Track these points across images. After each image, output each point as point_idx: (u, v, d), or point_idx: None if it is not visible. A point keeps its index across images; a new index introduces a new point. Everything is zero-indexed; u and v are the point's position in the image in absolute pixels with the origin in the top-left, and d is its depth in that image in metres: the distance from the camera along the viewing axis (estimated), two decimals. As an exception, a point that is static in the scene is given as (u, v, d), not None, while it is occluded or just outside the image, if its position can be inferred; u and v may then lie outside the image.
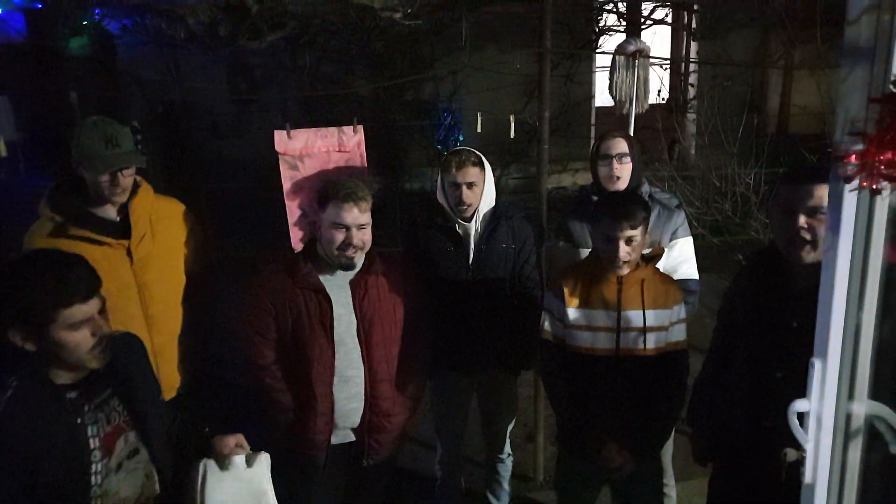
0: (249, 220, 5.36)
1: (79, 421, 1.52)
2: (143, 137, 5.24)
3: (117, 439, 1.59)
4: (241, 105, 6.91)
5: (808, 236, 1.73)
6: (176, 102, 6.41)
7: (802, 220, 1.73)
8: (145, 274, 2.30)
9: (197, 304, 2.50)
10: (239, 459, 1.72)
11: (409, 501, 3.25)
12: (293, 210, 2.84)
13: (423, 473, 3.32)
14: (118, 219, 2.31)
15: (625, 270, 2.13)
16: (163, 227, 2.40)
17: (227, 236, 5.48)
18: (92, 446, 1.53)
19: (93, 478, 1.52)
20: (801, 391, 1.62)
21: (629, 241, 2.08)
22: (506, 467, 2.93)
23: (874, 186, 1.01)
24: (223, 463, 1.71)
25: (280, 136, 2.82)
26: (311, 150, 2.85)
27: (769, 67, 7.20)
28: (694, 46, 7.97)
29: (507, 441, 2.90)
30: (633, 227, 2.06)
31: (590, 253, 2.28)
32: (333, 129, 2.88)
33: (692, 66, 7.40)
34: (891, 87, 0.97)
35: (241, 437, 1.77)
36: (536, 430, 3.33)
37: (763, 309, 1.87)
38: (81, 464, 1.51)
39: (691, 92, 7.12)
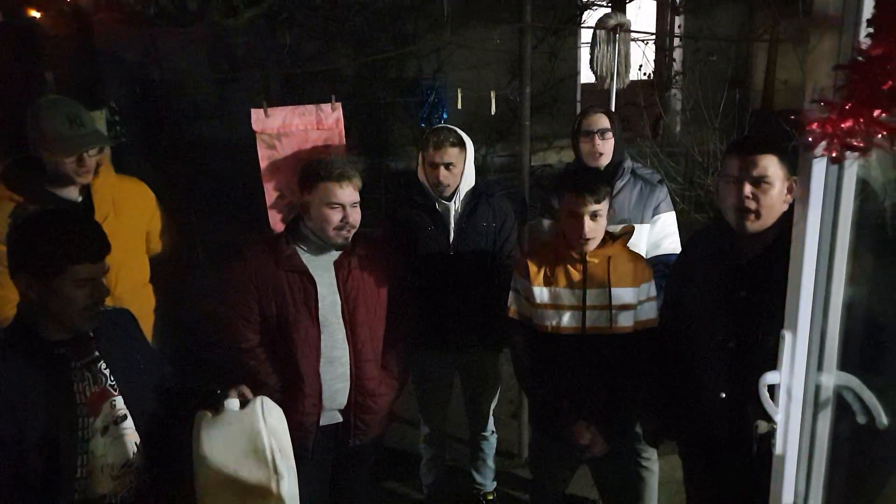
0: (232, 202, 5.31)
1: (66, 375, 1.57)
2: (121, 118, 5.15)
3: (104, 402, 1.63)
4: (222, 85, 6.80)
5: (752, 206, 1.75)
6: (155, 83, 6.30)
7: (748, 189, 1.75)
8: (110, 255, 2.28)
9: (165, 285, 2.49)
10: (231, 403, 1.70)
11: (395, 480, 3.27)
12: (270, 190, 2.81)
13: (408, 452, 3.34)
14: (80, 199, 2.27)
15: (590, 247, 2.12)
16: (126, 207, 2.37)
17: (210, 219, 5.43)
18: (78, 401, 1.57)
19: (79, 435, 1.56)
20: (756, 361, 1.65)
21: (593, 216, 2.07)
22: (490, 445, 2.96)
23: (835, 154, 1.01)
24: (217, 409, 1.69)
25: (257, 115, 2.78)
26: (288, 128, 2.82)
27: (754, 42, 7.17)
28: (679, 21, 7.92)
29: (491, 418, 2.92)
30: (597, 202, 2.06)
31: (556, 230, 2.27)
32: (311, 107, 2.84)
33: (676, 42, 7.35)
34: (856, 55, 0.96)
35: (242, 387, 1.77)
36: (521, 408, 3.35)
37: (712, 280, 1.89)
38: (69, 417, 1.55)
39: (676, 67, 7.09)
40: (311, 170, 2.18)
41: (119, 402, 1.66)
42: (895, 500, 1.51)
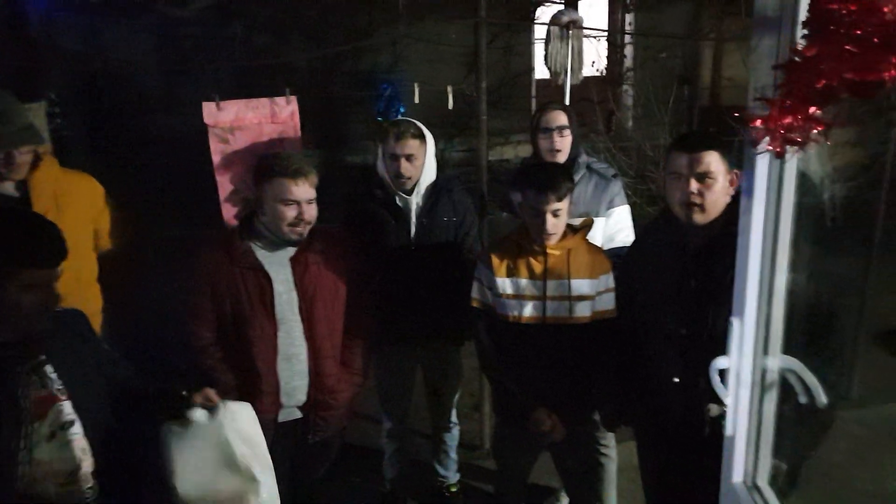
0: (182, 198, 5.19)
1: (9, 380, 1.51)
2: (62, 111, 4.97)
3: (50, 407, 1.57)
4: (171, 77, 6.62)
5: (698, 200, 1.83)
6: (99, 74, 6.10)
7: (693, 185, 1.83)
8: None
9: (115, 283, 2.43)
10: (198, 415, 1.69)
11: (357, 476, 3.27)
12: (224, 185, 2.77)
13: (370, 447, 3.34)
14: (18, 194, 2.19)
15: (552, 241, 2.17)
16: (70, 202, 2.29)
17: (159, 214, 5.30)
18: (22, 405, 1.51)
19: (21, 441, 1.50)
20: (706, 347, 1.72)
21: (555, 213, 2.12)
22: (452, 437, 2.98)
23: (778, 150, 1.06)
24: (184, 422, 1.68)
25: (209, 108, 2.74)
26: (242, 121, 2.78)
27: (701, 40, 7.37)
28: (630, 18, 8.08)
29: (454, 411, 2.95)
30: (560, 200, 2.11)
31: (519, 224, 2.31)
32: (265, 101, 2.81)
33: (628, 38, 7.51)
34: (792, 55, 1.01)
35: (208, 392, 1.75)
36: (482, 400, 3.39)
37: (662, 270, 1.96)
38: (11, 422, 1.49)
39: (627, 64, 7.24)
40: (265, 164, 2.15)
41: (66, 406, 1.59)
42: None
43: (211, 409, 1.72)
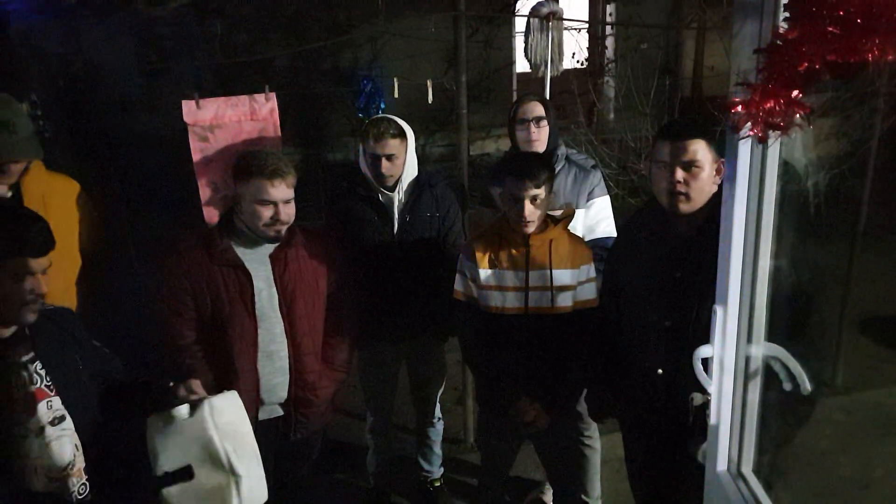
0: (164, 198, 5.14)
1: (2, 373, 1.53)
2: (42, 113, 4.90)
3: (38, 402, 1.58)
4: (151, 77, 6.55)
5: (684, 189, 1.82)
6: (79, 75, 6.02)
7: (679, 174, 1.82)
8: None
9: (93, 284, 2.40)
10: (180, 410, 1.67)
11: (341, 472, 3.26)
12: (205, 184, 2.73)
13: (354, 443, 3.33)
14: (10, 195, 2.19)
15: (531, 229, 2.16)
16: (56, 205, 2.29)
17: (141, 215, 5.24)
18: (10, 400, 1.53)
19: (6, 437, 1.51)
20: (691, 337, 1.72)
21: (534, 199, 2.11)
22: (436, 432, 2.97)
23: (760, 134, 1.05)
24: (165, 417, 1.67)
25: (188, 107, 2.69)
26: (221, 119, 2.73)
27: (681, 29, 7.39)
28: (611, 9, 8.09)
29: (437, 406, 2.93)
30: (537, 186, 2.10)
31: (500, 216, 2.31)
32: (244, 98, 2.77)
33: (609, 29, 7.51)
34: (774, 39, 1.00)
35: (191, 383, 1.74)
36: (466, 394, 3.38)
37: (648, 261, 1.95)
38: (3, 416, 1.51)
39: (608, 55, 7.25)
40: (244, 163, 2.12)
41: (56, 402, 1.61)
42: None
43: (194, 403, 1.70)
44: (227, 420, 1.72)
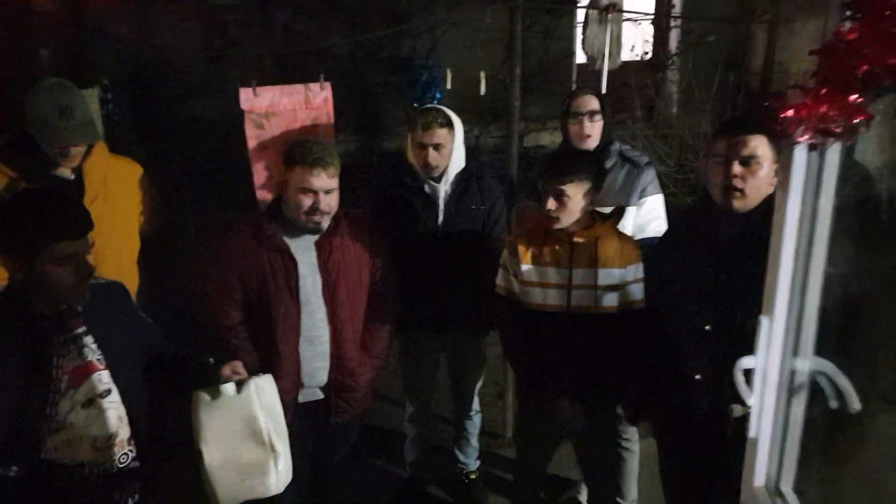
0: (224, 182, 5.28)
1: (45, 349, 1.58)
2: (113, 97, 5.10)
3: (88, 375, 1.64)
4: (214, 63, 6.73)
5: (739, 184, 1.76)
6: (147, 60, 6.23)
7: (736, 168, 1.75)
8: (99, 235, 2.25)
9: (153, 264, 2.49)
10: (227, 388, 1.77)
11: (378, 458, 3.30)
12: (259, 171, 2.80)
13: (393, 430, 3.36)
14: (72, 178, 2.27)
15: (558, 225, 2.13)
16: (117, 187, 2.36)
17: (202, 198, 5.40)
18: (54, 375, 1.58)
19: (48, 408, 1.57)
20: (733, 343, 1.66)
21: (558, 196, 2.08)
22: (474, 425, 2.97)
23: (811, 141, 1.00)
24: (213, 392, 1.77)
25: (246, 94, 2.76)
26: (277, 107, 2.79)
27: (753, 23, 7.09)
28: (676, 1, 7.83)
29: (476, 399, 2.93)
30: (561, 184, 2.07)
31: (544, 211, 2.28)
32: (300, 86, 2.82)
33: (673, 22, 7.27)
34: (832, 39, 0.94)
35: (236, 364, 1.84)
36: (506, 389, 3.37)
37: (693, 262, 1.90)
38: (39, 390, 1.57)
39: (672, 48, 7.02)
40: (290, 151, 2.15)
41: (105, 376, 1.66)
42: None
43: (239, 382, 1.80)
44: (268, 400, 1.82)
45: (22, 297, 1.59)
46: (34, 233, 1.51)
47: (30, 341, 1.57)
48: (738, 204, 1.78)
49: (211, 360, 1.87)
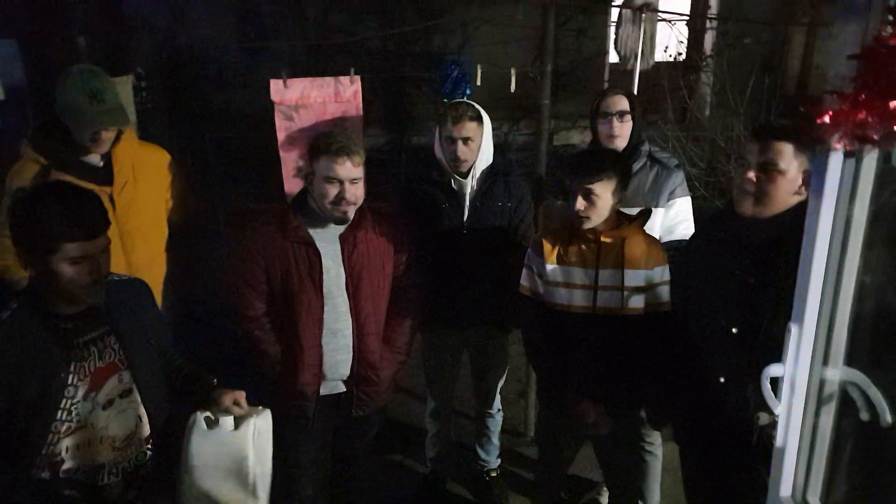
0: (254, 172, 5.34)
1: (65, 351, 1.57)
2: (147, 85, 5.18)
3: (110, 376, 1.63)
4: (247, 54, 6.81)
5: (751, 188, 1.73)
6: (181, 49, 6.32)
7: (751, 172, 1.73)
8: (127, 221, 2.30)
9: (181, 253, 2.51)
10: (226, 421, 1.75)
11: (399, 452, 3.31)
12: (288, 162, 2.83)
13: (414, 425, 3.37)
14: (101, 164, 2.29)
15: (586, 225, 2.11)
16: (146, 174, 2.39)
17: (232, 188, 5.47)
18: (70, 381, 1.57)
19: (60, 412, 1.56)
20: (759, 348, 1.62)
21: (586, 194, 2.07)
22: (495, 422, 2.97)
23: (847, 148, 0.98)
24: (211, 421, 1.75)
25: (276, 86, 2.79)
26: (306, 100, 2.82)
27: (791, 25, 6.94)
28: (712, 2, 7.71)
29: (498, 397, 2.93)
30: (590, 182, 2.05)
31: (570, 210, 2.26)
32: (330, 79, 2.85)
33: (708, 22, 7.15)
34: (872, 44, 0.92)
35: (239, 395, 1.78)
36: (528, 387, 3.36)
37: (718, 265, 1.87)
38: (53, 392, 1.55)
39: (706, 49, 6.92)
40: (315, 142, 2.16)
41: (126, 376, 1.66)
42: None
43: (239, 419, 1.76)
44: (262, 444, 1.80)
45: (42, 296, 1.56)
46: (48, 232, 1.48)
47: (48, 345, 1.54)
48: (747, 207, 1.75)
49: (214, 380, 1.84)
